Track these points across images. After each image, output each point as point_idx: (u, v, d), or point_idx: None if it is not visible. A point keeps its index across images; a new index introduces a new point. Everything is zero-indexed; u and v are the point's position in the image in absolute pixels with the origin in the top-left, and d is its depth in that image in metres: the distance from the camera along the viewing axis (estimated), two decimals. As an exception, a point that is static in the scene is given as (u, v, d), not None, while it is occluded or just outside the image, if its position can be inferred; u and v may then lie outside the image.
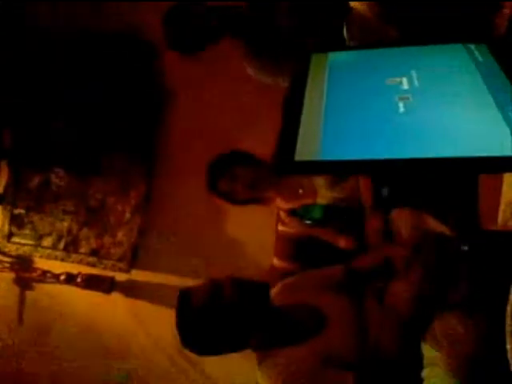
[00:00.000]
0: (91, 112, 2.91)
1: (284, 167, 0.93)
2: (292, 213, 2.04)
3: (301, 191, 2.03)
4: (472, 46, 1.20)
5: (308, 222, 2.00)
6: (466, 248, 1.53)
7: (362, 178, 1.88)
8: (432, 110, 1.00)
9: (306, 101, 1.06)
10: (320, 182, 2.00)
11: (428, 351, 1.49)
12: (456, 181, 1.56)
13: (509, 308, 1.33)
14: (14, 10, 2.87)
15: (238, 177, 2.03)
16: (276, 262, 2.13)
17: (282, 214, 2.14)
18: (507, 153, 0.87)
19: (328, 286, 1.61)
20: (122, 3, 2.86)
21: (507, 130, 0.91)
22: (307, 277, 1.78)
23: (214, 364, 2.90)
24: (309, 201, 2.02)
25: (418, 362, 1.48)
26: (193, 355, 2.83)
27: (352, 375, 1.37)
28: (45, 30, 2.89)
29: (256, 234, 2.58)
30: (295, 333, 1.51)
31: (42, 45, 2.90)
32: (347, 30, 1.49)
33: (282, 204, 2.12)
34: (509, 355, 1.30)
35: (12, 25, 2.88)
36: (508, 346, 1.31)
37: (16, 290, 3.05)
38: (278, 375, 1.44)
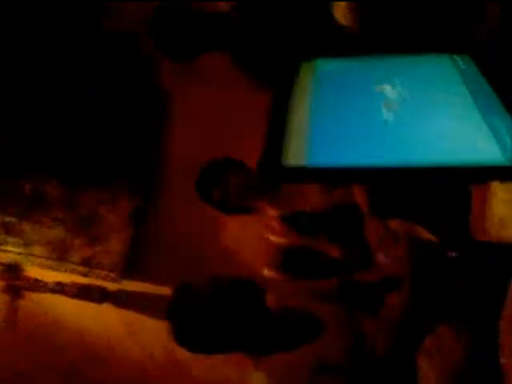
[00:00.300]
0: (85, 120, 2.90)
1: (270, 172, 0.93)
2: (285, 219, 2.03)
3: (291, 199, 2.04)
4: (457, 57, 1.22)
5: (297, 232, 2.00)
6: (454, 255, 1.52)
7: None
8: (418, 118, 1.01)
9: (293, 107, 1.06)
10: (312, 187, 1.99)
11: (421, 364, 1.48)
12: (446, 191, 1.56)
13: (502, 321, 1.32)
14: (15, 8, 2.88)
15: (230, 183, 2.03)
16: (267, 272, 2.12)
17: (273, 224, 2.13)
18: (492, 162, 0.87)
19: (322, 295, 1.61)
20: (124, 4, 2.87)
21: (492, 138, 0.91)
22: (301, 286, 1.78)
23: (203, 371, 2.87)
24: (299, 209, 2.02)
25: (411, 374, 1.47)
26: (183, 364, 2.82)
27: (344, 380, 1.37)
28: (45, 30, 2.90)
29: (249, 244, 2.57)
30: (289, 339, 1.51)
31: (41, 48, 2.90)
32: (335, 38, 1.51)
33: (272, 213, 2.12)
34: (503, 369, 1.29)
35: (11, 24, 2.88)
36: (502, 360, 1.30)
37: (6, 298, 3.02)
38: (272, 378, 1.44)
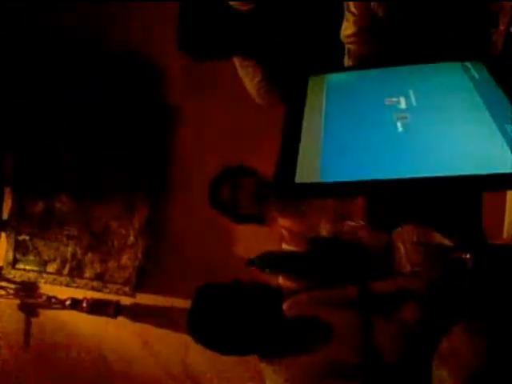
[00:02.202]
0: (95, 135, 2.92)
1: (284, 189, 0.93)
2: (250, 263, 2.02)
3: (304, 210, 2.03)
4: (469, 64, 1.21)
5: (264, 270, 2.00)
6: (467, 256, 1.51)
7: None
8: (431, 128, 1.01)
9: (305, 123, 1.07)
10: (326, 216, 2.00)
11: (436, 369, 1.47)
12: (460, 197, 1.56)
13: (517, 323, 1.32)
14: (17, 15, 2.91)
15: (243, 186, 2.01)
16: (281, 280, 2.12)
17: (285, 233, 2.13)
18: (507, 170, 0.87)
19: (338, 303, 1.61)
20: (126, 19, 2.90)
21: (506, 147, 0.91)
22: (316, 293, 1.78)
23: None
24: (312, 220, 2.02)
25: (425, 379, 1.46)
26: (198, 376, 2.82)
27: None
28: (48, 43, 2.93)
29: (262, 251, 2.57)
30: (303, 344, 1.51)
31: (45, 63, 2.93)
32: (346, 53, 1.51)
33: (284, 223, 2.12)
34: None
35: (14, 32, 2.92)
36: (518, 362, 1.29)
37: (21, 316, 3.04)
38: (286, 382, 1.44)
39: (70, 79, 2.92)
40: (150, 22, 2.86)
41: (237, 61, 1.80)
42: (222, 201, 2.02)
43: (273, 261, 2.03)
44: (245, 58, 1.77)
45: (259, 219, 2.10)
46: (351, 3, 1.48)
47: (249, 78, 1.81)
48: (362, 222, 1.68)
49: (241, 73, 1.83)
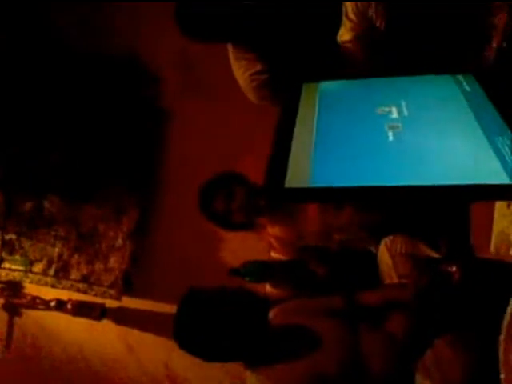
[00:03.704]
0: (85, 136, 2.91)
1: (274, 194, 0.94)
2: (233, 272, 2.03)
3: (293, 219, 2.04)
4: (460, 77, 1.23)
5: (247, 279, 2.01)
6: (454, 269, 1.52)
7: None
8: (421, 138, 1.02)
9: (297, 129, 1.07)
10: (315, 225, 2.01)
11: (420, 381, 1.47)
12: (448, 208, 1.57)
13: (502, 337, 1.32)
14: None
15: (236, 196, 2.00)
16: (269, 289, 2.12)
17: (274, 241, 2.13)
18: (495, 181, 0.88)
19: (325, 312, 1.61)
20: (121, 26, 2.90)
21: (495, 159, 0.92)
22: (303, 302, 1.78)
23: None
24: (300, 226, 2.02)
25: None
26: (181, 382, 2.79)
27: None
28: (43, 50, 2.92)
29: (249, 259, 2.57)
30: (287, 352, 1.51)
31: (39, 66, 2.92)
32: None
33: (273, 231, 2.12)
34: (503, 385, 1.29)
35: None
36: (502, 376, 1.29)
37: (5, 315, 3.01)
38: None
39: (63, 79, 2.91)
40: (143, 24, 2.87)
41: (231, 52, 1.80)
42: (215, 211, 2.02)
43: (257, 270, 2.03)
44: (240, 50, 1.77)
45: (248, 226, 2.10)
46: (350, 10, 1.50)
47: (241, 70, 1.81)
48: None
49: (234, 65, 1.83)
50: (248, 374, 1.55)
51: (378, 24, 1.48)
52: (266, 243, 2.19)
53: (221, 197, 1.99)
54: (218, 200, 2.00)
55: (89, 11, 2.90)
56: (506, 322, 1.33)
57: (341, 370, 1.43)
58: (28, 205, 2.94)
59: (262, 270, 2.04)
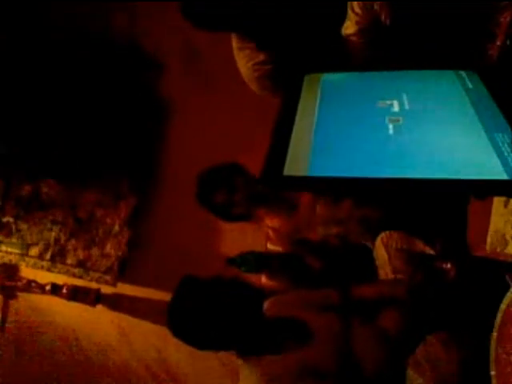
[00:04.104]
0: (85, 122, 2.90)
1: (272, 181, 0.94)
2: (230, 261, 2.04)
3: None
4: (463, 73, 1.23)
5: (243, 269, 2.01)
6: (449, 266, 1.53)
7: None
8: (421, 132, 1.02)
9: (298, 118, 1.07)
10: (313, 217, 2.01)
11: (411, 376, 1.48)
12: (445, 206, 1.57)
13: (494, 334, 1.33)
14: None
15: (238, 187, 2.00)
16: (264, 280, 2.12)
17: (271, 233, 2.13)
18: (493, 176, 0.88)
19: (319, 305, 1.62)
20: (124, 15, 2.89)
21: (494, 155, 0.92)
22: (298, 295, 1.78)
23: (195, 378, 2.87)
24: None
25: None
26: (174, 369, 2.81)
27: None
28: (44, 39, 2.91)
29: (246, 250, 2.58)
30: (279, 343, 1.51)
31: (42, 54, 2.91)
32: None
33: (271, 223, 2.12)
34: (493, 381, 1.30)
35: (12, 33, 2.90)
36: (492, 373, 1.30)
37: (0, 298, 3.01)
38: (261, 376, 1.44)
39: (67, 66, 2.90)
40: (152, 15, 2.85)
41: (235, 42, 1.79)
42: (215, 203, 2.01)
43: (253, 261, 2.03)
44: (243, 40, 1.76)
45: (247, 217, 2.10)
46: (355, 3, 1.49)
47: (245, 60, 1.80)
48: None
49: (237, 55, 1.82)
50: (240, 362, 1.56)
51: (382, 18, 1.48)
52: (263, 234, 2.20)
53: (222, 188, 1.99)
54: (219, 191, 1.99)
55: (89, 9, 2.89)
56: (498, 320, 1.34)
57: (332, 363, 1.44)
58: (26, 188, 2.93)
59: (258, 260, 2.04)
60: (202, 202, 2.03)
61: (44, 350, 2.99)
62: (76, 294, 2.88)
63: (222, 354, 1.65)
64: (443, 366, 1.49)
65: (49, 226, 2.95)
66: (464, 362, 1.46)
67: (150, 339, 2.90)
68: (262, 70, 1.78)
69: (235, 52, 1.83)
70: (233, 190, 1.98)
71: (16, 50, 2.88)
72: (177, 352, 2.83)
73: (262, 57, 1.75)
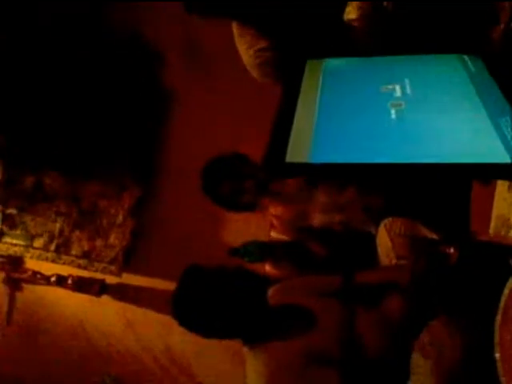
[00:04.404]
0: (87, 114, 2.90)
1: (274, 168, 0.94)
2: (233, 252, 2.04)
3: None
4: (466, 58, 1.22)
5: (246, 259, 2.01)
6: (452, 251, 1.53)
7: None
8: (424, 117, 1.01)
9: (299, 104, 1.07)
10: (317, 205, 2.01)
11: (416, 360, 1.49)
12: (448, 190, 1.57)
13: (498, 317, 1.33)
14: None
15: (248, 176, 2.00)
16: (268, 268, 2.13)
17: (275, 221, 2.13)
18: (497, 160, 0.88)
19: (322, 292, 1.63)
20: (124, 6, 2.87)
21: (497, 139, 0.92)
22: (302, 282, 1.79)
23: (200, 367, 2.89)
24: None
25: (405, 370, 1.48)
26: (179, 358, 2.83)
27: (336, 373, 1.38)
28: (46, 31, 2.89)
29: (250, 239, 2.59)
30: (285, 330, 1.52)
31: (43, 46, 2.90)
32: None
33: (275, 211, 2.12)
34: (498, 364, 1.30)
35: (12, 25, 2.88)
36: (496, 355, 1.31)
37: (5, 290, 3.03)
38: (268, 364, 1.45)
39: (68, 58, 2.89)
40: (152, 5, 2.83)
41: (236, 29, 1.78)
42: (221, 193, 2.02)
43: (256, 251, 2.04)
44: (245, 26, 1.75)
45: (252, 206, 2.10)
46: None
47: (245, 47, 1.79)
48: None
49: (238, 42, 1.81)
50: (245, 350, 1.57)
51: (385, 3, 1.47)
52: (267, 224, 2.20)
53: (229, 178, 1.99)
54: (227, 181, 1.99)
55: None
56: (502, 304, 1.34)
57: (337, 349, 1.45)
58: (29, 180, 2.94)
59: (261, 250, 2.05)
60: (209, 193, 2.03)
61: (50, 340, 3.02)
62: (81, 285, 2.90)
63: (227, 342, 1.65)
64: (447, 350, 1.49)
65: (53, 217, 2.96)
66: (468, 346, 1.47)
67: (155, 328, 2.92)
68: (264, 57, 1.77)
69: (236, 39, 1.82)
70: (242, 178, 1.99)
71: (16, 49, 2.87)
72: (181, 340, 2.85)
73: (263, 43, 1.74)
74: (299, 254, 2.07)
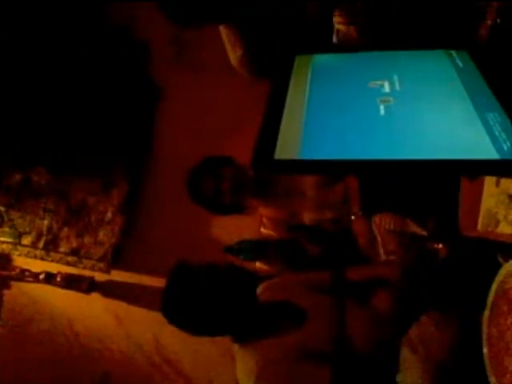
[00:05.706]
0: (77, 111, 2.87)
1: (263, 165, 0.93)
2: (228, 250, 2.04)
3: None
4: (453, 53, 1.23)
5: (241, 257, 2.02)
6: (440, 246, 1.54)
7: (351, 181, 1.90)
8: (412, 113, 1.01)
9: (288, 100, 1.07)
10: (307, 203, 2.02)
11: (404, 355, 1.50)
12: (437, 186, 1.58)
13: (486, 313, 1.35)
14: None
15: (225, 177, 2.01)
16: (259, 264, 2.13)
17: (265, 220, 2.14)
18: (485, 156, 0.88)
19: (313, 288, 1.63)
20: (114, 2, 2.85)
21: (485, 134, 0.92)
22: (293, 278, 1.80)
23: (192, 364, 2.89)
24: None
25: (393, 365, 1.49)
26: (170, 354, 2.82)
27: (328, 368, 1.39)
28: (38, 26, 2.86)
29: (239, 237, 2.58)
30: (275, 327, 1.53)
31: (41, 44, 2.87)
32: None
33: (265, 212, 2.13)
34: (486, 359, 1.31)
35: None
36: (484, 350, 1.32)
37: (-7, 288, 3.01)
38: (258, 361, 1.45)
39: (56, 49, 2.86)
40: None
41: (222, 28, 1.78)
42: (204, 195, 2.03)
43: (251, 249, 2.04)
44: (230, 26, 1.75)
45: (239, 209, 2.10)
46: None
47: (232, 46, 1.79)
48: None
49: (226, 42, 1.81)
50: (235, 347, 1.57)
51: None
52: (256, 220, 2.20)
53: (208, 181, 2.01)
54: (206, 184, 2.01)
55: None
56: (490, 299, 1.35)
57: (327, 345, 1.45)
58: (16, 177, 2.91)
59: (255, 248, 2.06)
60: (193, 199, 2.06)
61: (39, 338, 3.00)
62: (70, 283, 2.88)
63: (217, 339, 1.65)
64: (436, 345, 1.51)
65: (41, 214, 2.93)
66: (456, 341, 1.48)
67: (145, 325, 2.91)
68: (250, 56, 1.77)
69: (223, 38, 1.82)
70: (219, 180, 2.00)
71: (15, 48, 2.84)
72: (172, 337, 2.84)
73: (250, 42, 1.74)
74: (291, 251, 2.08)
